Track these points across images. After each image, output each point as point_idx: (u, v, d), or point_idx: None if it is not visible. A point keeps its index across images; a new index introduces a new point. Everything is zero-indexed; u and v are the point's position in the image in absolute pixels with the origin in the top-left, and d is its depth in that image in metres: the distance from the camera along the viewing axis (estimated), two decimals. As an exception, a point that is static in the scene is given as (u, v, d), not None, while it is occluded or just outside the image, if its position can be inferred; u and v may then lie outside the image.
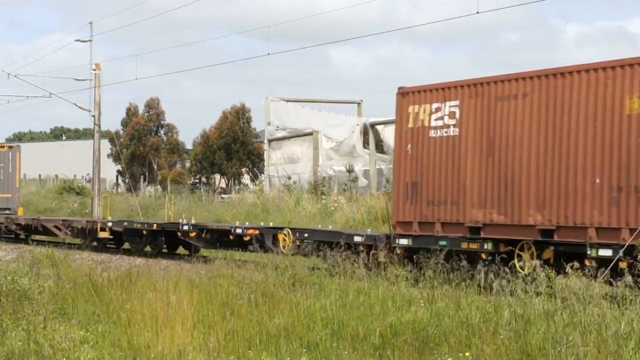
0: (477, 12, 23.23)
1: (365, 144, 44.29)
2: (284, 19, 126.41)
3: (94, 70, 50.49)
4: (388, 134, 42.29)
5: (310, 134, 45.27)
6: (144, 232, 29.97)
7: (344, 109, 51.46)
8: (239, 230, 26.22)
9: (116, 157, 77.03)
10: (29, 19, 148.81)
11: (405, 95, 21.61)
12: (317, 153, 44.64)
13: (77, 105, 52.36)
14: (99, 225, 31.75)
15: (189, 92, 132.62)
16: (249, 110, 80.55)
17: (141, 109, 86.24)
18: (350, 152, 44.36)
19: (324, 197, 38.95)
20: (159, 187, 71.15)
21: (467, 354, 11.24)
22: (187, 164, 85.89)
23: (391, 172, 39.81)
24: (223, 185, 77.06)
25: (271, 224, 27.17)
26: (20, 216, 38.88)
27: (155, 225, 29.86)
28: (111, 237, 31.90)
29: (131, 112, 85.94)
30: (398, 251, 20.77)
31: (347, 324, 12.96)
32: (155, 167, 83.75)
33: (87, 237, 32.48)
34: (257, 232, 25.70)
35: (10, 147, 43.41)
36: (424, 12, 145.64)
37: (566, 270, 15.03)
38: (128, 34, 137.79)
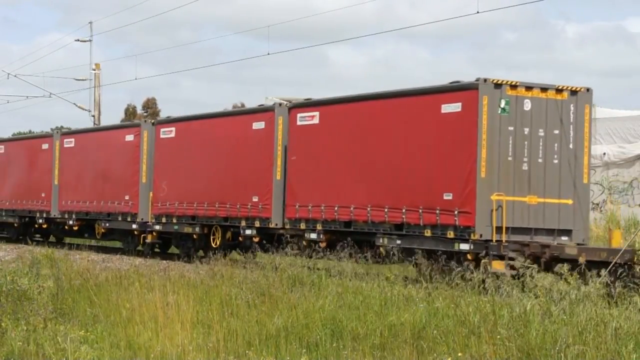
0: (477, 12, 23.19)
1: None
2: (281, 19, 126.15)
3: (94, 70, 50.54)
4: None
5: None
6: None
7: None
8: None
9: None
10: (24, 19, 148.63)
11: None
12: (317, 153, 44.53)
13: (77, 105, 52.44)
14: None
15: (186, 92, 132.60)
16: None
17: (139, 109, 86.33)
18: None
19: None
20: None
21: (459, 353, 11.24)
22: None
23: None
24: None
25: None
26: None
27: None
28: None
29: (129, 112, 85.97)
30: None
31: (346, 324, 12.96)
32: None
33: None
34: None
35: (575, 91, 20.26)
36: (422, 11, 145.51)
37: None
38: (125, 34, 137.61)
